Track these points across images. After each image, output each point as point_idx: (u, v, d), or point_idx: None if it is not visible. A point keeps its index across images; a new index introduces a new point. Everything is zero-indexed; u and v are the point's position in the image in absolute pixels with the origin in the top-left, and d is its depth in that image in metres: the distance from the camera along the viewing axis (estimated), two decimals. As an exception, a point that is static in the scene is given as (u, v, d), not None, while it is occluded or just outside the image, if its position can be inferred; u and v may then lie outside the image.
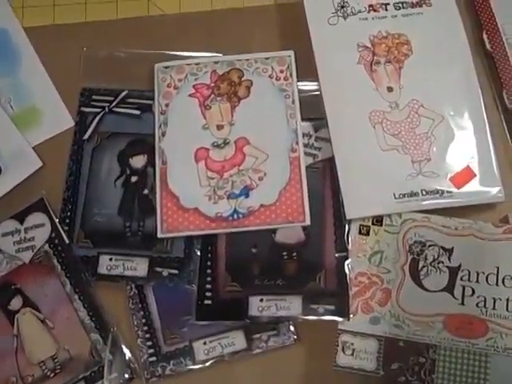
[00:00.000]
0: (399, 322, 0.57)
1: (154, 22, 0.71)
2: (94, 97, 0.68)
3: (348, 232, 0.61)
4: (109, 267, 0.62)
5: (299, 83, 0.66)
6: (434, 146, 0.62)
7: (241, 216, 0.61)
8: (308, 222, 0.61)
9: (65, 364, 0.60)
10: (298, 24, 0.66)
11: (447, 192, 0.60)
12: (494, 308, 0.57)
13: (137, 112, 0.67)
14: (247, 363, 0.60)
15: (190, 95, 0.66)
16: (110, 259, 0.62)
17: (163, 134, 0.65)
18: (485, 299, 0.58)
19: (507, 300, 0.58)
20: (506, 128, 0.65)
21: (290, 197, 0.61)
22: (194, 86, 0.66)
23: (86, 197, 0.65)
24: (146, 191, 0.64)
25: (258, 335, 0.60)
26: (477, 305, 0.58)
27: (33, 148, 0.67)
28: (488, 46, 0.66)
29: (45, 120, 0.69)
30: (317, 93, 0.65)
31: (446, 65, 0.64)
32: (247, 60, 0.66)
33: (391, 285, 0.59)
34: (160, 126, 0.65)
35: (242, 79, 0.66)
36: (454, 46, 0.65)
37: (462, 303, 0.58)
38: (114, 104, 0.67)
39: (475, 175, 0.61)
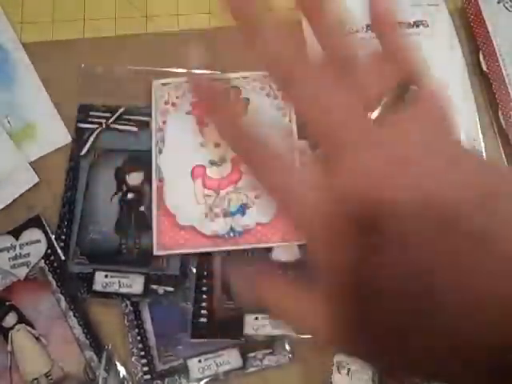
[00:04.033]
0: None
1: (151, 39, 0.71)
2: (92, 113, 0.68)
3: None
4: (104, 284, 0.62)
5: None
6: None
7: (237, 234, 0.61)
8: (304, 240, 0.61)
9: (59, 382, 0.60)
10: (296, 43, 0.66)
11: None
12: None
13: (134, 129, 0.67)
14: (242, 382, 0.60)
15: (187, 113, 0.66)
16: (106, 276, 0.62)
17: (160, 151, 0.65)
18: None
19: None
20: (501, 149, 0.65)
21: (286, 215, 0.61)
22: (191, 103, 0.66)
23: (83, 213, 0.64)
24: (142, 208, 0.64)
25: (253, 354, 0.60)
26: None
27: (29, 164, 0.67)
28: (484, 68, 0.66)
29: (42, 136, 0.68)
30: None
31: (443, 85, 0.65)
32: (245, 78, 0.67)
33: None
34: (157, 142, 0.65)
35: (240, 97, 0.66)
36: (451, 66, 0.65)
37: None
38: (111, 120, 0.67)
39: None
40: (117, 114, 0.67)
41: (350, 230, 0.23)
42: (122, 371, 0.60)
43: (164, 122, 0.66)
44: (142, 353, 0.61)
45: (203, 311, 0.61)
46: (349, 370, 0.57)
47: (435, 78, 0.62)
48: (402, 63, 0.27)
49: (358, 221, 0.23)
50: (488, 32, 0.67)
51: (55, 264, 0.63)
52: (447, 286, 0.21)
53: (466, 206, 0.21)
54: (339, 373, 0.57)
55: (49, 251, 0.63)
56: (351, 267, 0.23)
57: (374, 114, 0.24)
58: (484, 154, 0.62)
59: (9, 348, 0.61)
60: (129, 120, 0.67)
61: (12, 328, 0.61)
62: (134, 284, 0.62)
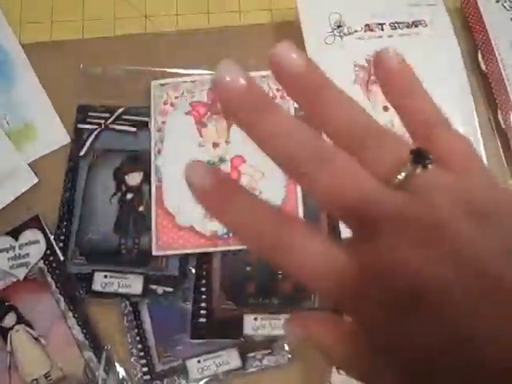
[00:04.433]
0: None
1: (150, 40, 0.71)
2: (91, 113, 0.68)
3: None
4: (103, 284, 0.62)
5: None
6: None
7: (236, 234, 0.61)
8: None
9: (58, 382, 0.60)
10: (295, 43, 0.66)
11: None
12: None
13: (133, 129, 0.67)
14: (241, 382, 0.60)
15: (186, 113, 0.66)
16: (105, 276, 0.62)
17: (159, 152, 0.65)
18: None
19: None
20: (500, 148, 0.65)
21: (285, 215, 0.61)
22: (190, 103, 0.66)
23: (82, 213, 0.64)
24: (141, 208, 0.64)
25: (252, 354, 0.60)
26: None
27: (28, 164, 0.67)
28: (483, 67, 0.66)
29: (40, 136, 0.68)
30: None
31: (442, 85, 0.64)
32: (244, 78, 0.67)
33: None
34: (156, 143, 0.65)
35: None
36: (450, 66, 0.65)
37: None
38: (110, 121, 0.67)
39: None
40: (116, 115, 0.67)
41: (386, 305, 0.22)
42: (122, 372, 0.60)
43: (163, 123, 0.66)
44: (142, 353, 0.61)
45: (202, 311, 0.61)
46: (348, 369, 0.57)
47: (433, 78, 0.61)
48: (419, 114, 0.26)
49: (396, 298, 0.22)
50: (486, 31, 0.67)
51: (54, 264, 0.63)
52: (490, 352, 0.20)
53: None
54: (338, 373, 0.57)
55: (48, 251, 0.63)
56: (384, 331, 0.23)
57: (398, 180, 0.23)
58: (484, 154, 0.62)
59: (8, 348, 0.61)
60: (128, 120, 0.67)
61: (11, 328, 0.61)
62: (133, 284, 0.62)
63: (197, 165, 0.24)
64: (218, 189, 0.24)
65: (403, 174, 0.23)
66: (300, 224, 0.24)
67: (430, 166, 0.23)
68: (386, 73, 0.27)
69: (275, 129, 0.24)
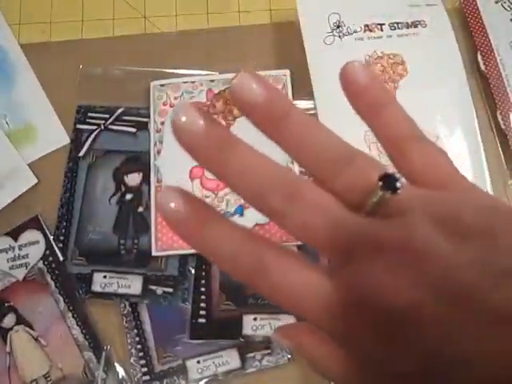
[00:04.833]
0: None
1: (150, 40, 0.71)
2: (90, 114, 0.68)
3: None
4: (103, 285, 0.62)
5: (295, 102, 0.66)
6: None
7: (235, 235, 0.61)
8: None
9: (58, 382, 0.60)
10: (294, 43, 0.67)
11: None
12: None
13: (132, 130, 0.67)
14: (241, 382, 0.60)
15: (185, 113, 0.66)
16: (104, 277, 0.62)
17: (158, 152, 0.65)
18: None
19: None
20: (500, 149, 0.65)
21: (284, 216, 0.61)
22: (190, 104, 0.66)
23: (81, 214, 0.65)
24: (140, 209, 0.64)
25: (252, 354, 0.60)
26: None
27: (28, 165, 0.67)
28: (482, 67, 0.66)
29: (40, 137, 0.68)
30: (312, 112, 0.65)
31: (441, 85, 0.65)
32: (243, 78, 0.67)
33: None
34: (155, 143, 0.65)
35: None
36: (449, 66, 0.65)
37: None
38: (109, 121, 0.67)
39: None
40: (115, 115, 0.67)
41: (366, 331, 0.22)
42: (121, 372, 0.60)
43: (162, 123, 0.66)
44: (141, 353, 0.61)
45: (202, 312, 0.61)
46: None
47: (433, 79, 0.61)
48: (394, 127, 0.26)
49: (375, 324, 0.22)
50: (486, 32, 0.67)
51: (54, 265, 0.63)
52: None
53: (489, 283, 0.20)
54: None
55: (47, 252, 0.63)
56: (367, 354, 0.22)
57: (369, 206, 0.23)
58: (483, 154, 0.62)
59: (7, 349, 0.61)
60: (127, 121, 0.67)
61: (11, 329, 0.61)
62: (133, 285, 0.62)
63: (170, 192, 0.24)
64: (192, 217, 0.24)
65: (374, 200, 0.23)
66: (277, 249, 0.24)
67: (399, 190, 0.22)
68: (354, 88, 0.26)
69: (239, 168, 0.23)
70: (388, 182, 0.23)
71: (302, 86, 0.65)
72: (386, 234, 0.22)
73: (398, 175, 0.23)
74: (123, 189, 0.65)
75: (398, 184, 0.22)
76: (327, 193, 0.23)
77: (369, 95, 0.26)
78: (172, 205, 0.23)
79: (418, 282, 0.21)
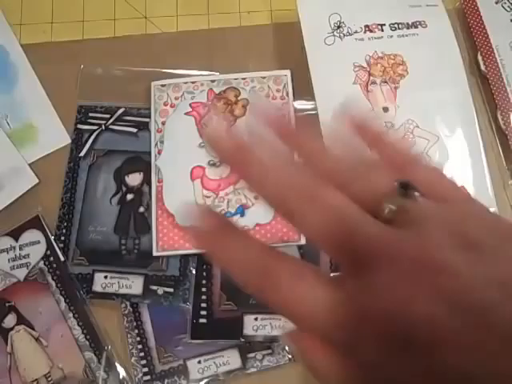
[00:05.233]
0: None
1: (151, 40, 0.71)
2: (91, 114, 0.68)
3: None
4: (104, 285, 0.62)
5: (295, 102, 0.66)
6: (429, 167, 0.62)
7: (236, 235, 0.61)
8: (303, 241, 0.61)
9: (58, 383, 0.60)
10: (295, 43, 0.67)
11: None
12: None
13: (133, 130, 0.67)
14: (242, 382, 0.60)
15: (186, 113, 0.66)
16: (105, 277, 0.62)
17: (159, 152, 0.65)
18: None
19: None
20: (500, 149, 0.65)
21: (285, 216, 0.61)
22: (190, 104, 0.66)
23: (82, 214, 0.65)
24: (141, 209, 0.64)
25: (252, 354, 0.60)
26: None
27: (29, 165, 0.67)
28: (483, 68, 0.66)
29: (41, 137, 0.68)
30: (313, 112, 0.65)
31: (442, 85, 0.65)
32: (244, 79, 0.67)
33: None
34: (156, 143, 0.65)
35: (239, 98, 0.66)
36: (450, 66, 0.65)
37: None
38: (110, 121, 0.67)
39: (469, 196, 0.61)
40: (116, 115, 0.67)
41: (378, 344, 0.22)
42: (122, 372, 0.60)
43: (163, 123, 0.66)
44: (142, 354, 0.61)
45: (203, 312, 0.61)
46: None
47: (433, 79, 0.61)
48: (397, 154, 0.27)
49: (388, 338, 0.21)
50: (486, 32, 0.67)
51: (55, 265, 0.63)
52: None
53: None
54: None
55: (48, 252, 0.63)
56: (377, 369, 0.22)
57: (387, 213, 0.23)
58: (483, 153, 0.62)
59: (8, 349, 0.61)
60: (128, 121, 0.67)
61: (12, 329, 0.61)
62: (134, 285, 0.62)
63: (192, 208, 0.26)
64: (212, 230, 0.26)
65: (393, 207, 0.23)
66: (288, 263, 0.24)
67: (418, 198, 0.23)
68: (354, 127, 0.29)
69: (263, 171, 0.25)
70: (408, 188, 0.23)
71: (302, 86, 0.65)
72: (407, 244, 0.22)
73: (415, 184, 0.23)
74: (124, 189, 0.65)
75: (417, 193, 0.23)
76: (347, 197, 0.24)
77: (367, 134, 0.29)
78: (193, 219, 0.26)
79: (433, 294, 0.20)
